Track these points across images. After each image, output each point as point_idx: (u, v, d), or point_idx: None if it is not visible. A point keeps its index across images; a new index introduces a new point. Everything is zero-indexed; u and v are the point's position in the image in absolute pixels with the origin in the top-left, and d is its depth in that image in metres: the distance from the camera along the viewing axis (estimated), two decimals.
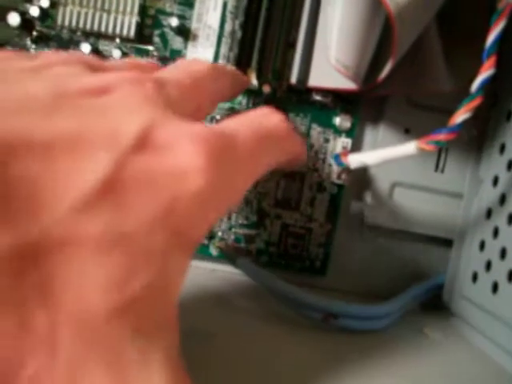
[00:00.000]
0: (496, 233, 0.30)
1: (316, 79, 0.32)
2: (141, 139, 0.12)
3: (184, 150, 0.13)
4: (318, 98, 0.33)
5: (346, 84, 0.30)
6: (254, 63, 0.31)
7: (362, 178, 0.34)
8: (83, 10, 0.33)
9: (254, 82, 0.31)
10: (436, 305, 0.35)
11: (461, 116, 0.24)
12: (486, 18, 0.28)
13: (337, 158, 0.31)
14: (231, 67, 0.24)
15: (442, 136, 0.23)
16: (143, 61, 0.21)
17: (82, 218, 0.10)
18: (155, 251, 0.11)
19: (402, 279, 0.36)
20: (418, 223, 0.35)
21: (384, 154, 0.26)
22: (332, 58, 0.28)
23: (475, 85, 0.24)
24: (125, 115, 0.13)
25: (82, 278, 0.10)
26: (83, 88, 0.13)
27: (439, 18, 0.29)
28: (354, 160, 0.29)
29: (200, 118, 0.19)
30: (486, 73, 0.24)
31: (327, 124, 0.34)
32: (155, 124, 0.13)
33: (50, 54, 0.17)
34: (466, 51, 0.30)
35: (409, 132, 0.34)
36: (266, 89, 0.33)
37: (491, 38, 0.24)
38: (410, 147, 0.25)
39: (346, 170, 0.32)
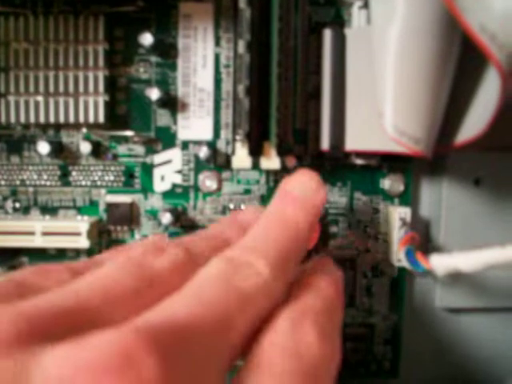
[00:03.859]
0: None
1: (356, 142, 0.24)
2: None
3: None
4: (359, 161, 0.25)
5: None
6: (271, 137, 0.23)
7: (426, 247, 0.27)
8: (32, 98, 0.24)
9: (276, 162, 0.23)
10: None
11: None
12: None
13: (410, 256, 0.23)
14: None
15: None
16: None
17: None
18: None
19: (492, 367, 0.28)
20: (505, 296, 0.27)
21: (490, 256, 0.18)
22: (388, 126, 0.20)
23: None
24: None
25: None
26: None
27: None
28: (441, 264, 0.21)
29: None
30: None
31: (374, 190, 0.26)
32: None
33: None
34: None
35: (480, 183, 0.26)
36: (291, 162, 0.25)
37: None
38: None
39: None
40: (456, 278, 0.26)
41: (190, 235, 0.19)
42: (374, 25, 0.20)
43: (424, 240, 0.27)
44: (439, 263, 0.21)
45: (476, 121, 0.19)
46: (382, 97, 0.19)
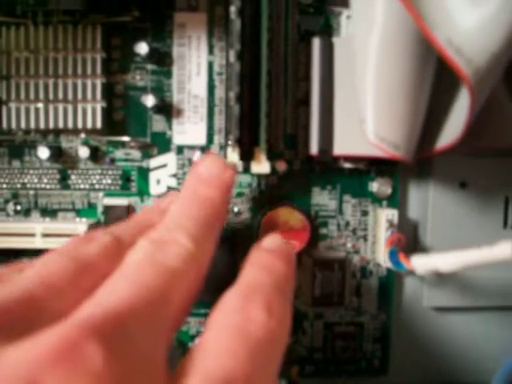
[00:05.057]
0: None
1: (344, 146, 0.25)
2: None
3: None
4: (347, 165, 0.26)
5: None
6: (261, 142, 0.24)
7: (413, 247, 0.27)
8: (32, 105, 0.25)
9: (266, 166, 0.24)
10: None
11: None
12: None
13: (393, 256, 0.24)
14: None
15: None
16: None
17: None
18: None
19: (479, 364, 0.29)
20: (489, 295, 0.28)
21: (466, 257, 0.19)
22: (369, 132, 0.21)
23: None
24: None
25: None
26: None
27: None
28: (421, 264, 0.22)
29: None
30: None
31: (362, 193, 0.27)
32: None
33: None
34: None
35: (466, 186, 0.27)
36: (281, 167, 0.26)
37: None
38: (505, 249, 0.18)
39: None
40: (443, 278, 0.27)
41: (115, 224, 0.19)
42: (355, 34, 0.21)
43: (412, 241, 0.28)
44: (419, 263, 0.22)
45: (452, 129, 0.20)
46: (363, 104, 0.20)
